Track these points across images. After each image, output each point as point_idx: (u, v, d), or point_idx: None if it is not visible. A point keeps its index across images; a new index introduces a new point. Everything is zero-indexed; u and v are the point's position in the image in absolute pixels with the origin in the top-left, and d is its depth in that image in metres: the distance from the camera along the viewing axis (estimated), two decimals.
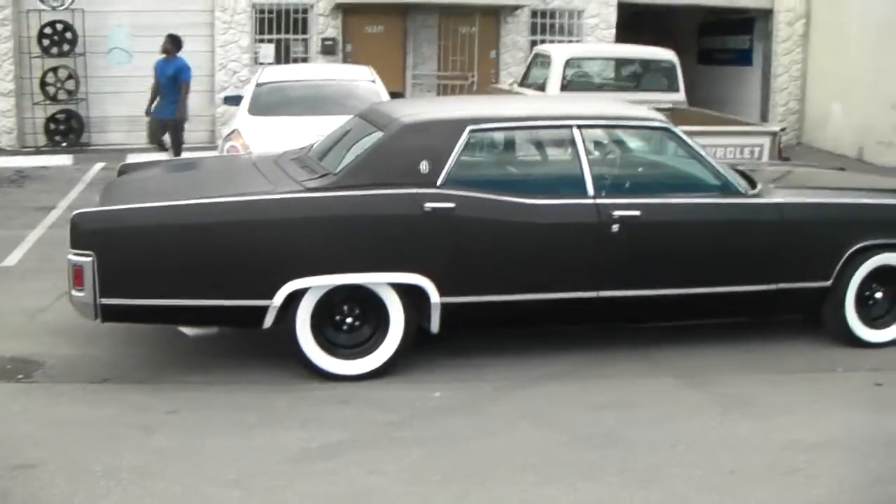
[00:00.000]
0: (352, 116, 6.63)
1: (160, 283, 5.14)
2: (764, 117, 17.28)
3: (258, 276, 5.18)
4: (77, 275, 5.06)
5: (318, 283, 5.24)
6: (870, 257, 6.07)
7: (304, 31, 15.37)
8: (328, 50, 15.24)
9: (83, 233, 5.06)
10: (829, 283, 6.00)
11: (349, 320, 5.43)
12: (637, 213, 5.59)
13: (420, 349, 5.56)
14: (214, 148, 14.74)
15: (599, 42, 16.13)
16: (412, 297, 5.37)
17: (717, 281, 5.83)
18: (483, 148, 5.95)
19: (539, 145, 6.21)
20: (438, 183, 5.36)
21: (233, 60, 15.18)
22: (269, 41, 15.35)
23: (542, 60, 12.28)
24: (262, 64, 15.08)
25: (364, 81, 9.86)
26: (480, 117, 5.68)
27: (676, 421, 5.01)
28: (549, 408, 5.14)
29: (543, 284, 5.55)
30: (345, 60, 15.17)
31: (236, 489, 4.08)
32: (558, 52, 11.93)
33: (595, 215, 5.55)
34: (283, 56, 15.33)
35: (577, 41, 16.24)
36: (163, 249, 5.14)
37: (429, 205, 5.29)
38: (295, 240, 5.24)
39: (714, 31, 19.93)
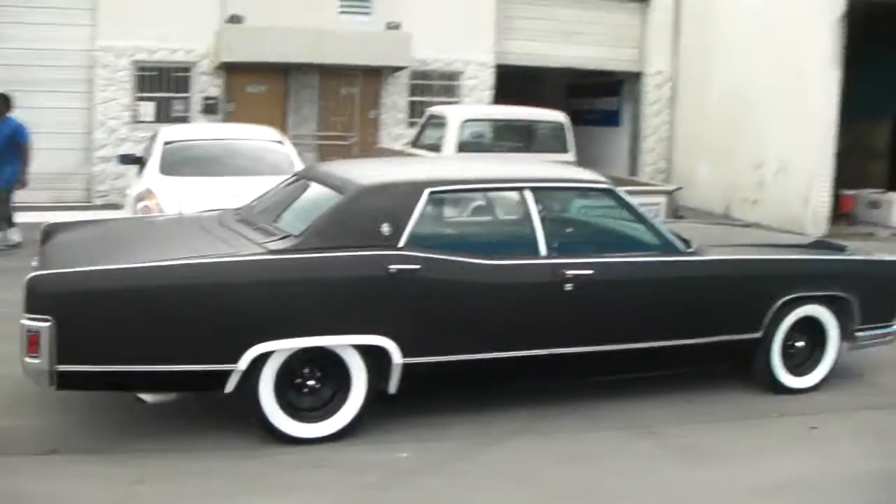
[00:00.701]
0: (291, 177, 6.60)
1: (122, 348, 4.93)
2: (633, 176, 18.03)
3: (223, 340, 5.06)
4: (32, 341, 4.79)
5: (283, 347, 5.16)
6: (795, 309, 6.45)
7: (186, 90, 15.14)
8: (210, 109, 15.07)
9: (40, 296, 4.81)
10: (759, 334, 6.34)
11: (311, 383, 5.36)
12: (590, 271, 5.77)
13: (376, 410, 5.52)
14: (91, 207, 14.34)
15: (478, 103, 16.55)
16: (374, 358, 5.36)
17: (661, 335, 6.07)
18: (441, 210, 6.03)
19: (493, 207, 6.35)
20: (400, 245, 5.39)
21: (112, 118, 14.79)
22: (150, 99, 15.04)
23: (437, 121, 12.50)
24: (141, 122, 14.81)
25: (271, 142, 9.81)
26: (438, 180, 5.77)
27: (641, 472, 5.18)
28: (518, 464, 5.20)
29: (502, 343, 5.63)
30: (226, 120, 15.01)
31: None
32: (454, 114, 12.19)
33: (549, 274, 5.69)
34: (164, 115, 15.04)
35: (456, 102, 16.61)
36: (125, 313, 4.93)
37: (393, 266, 5.30)
38: (260, 302, 5.14)
39: (581, 94, 20.78)
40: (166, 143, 9.31)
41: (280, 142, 9.93)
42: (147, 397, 5.23)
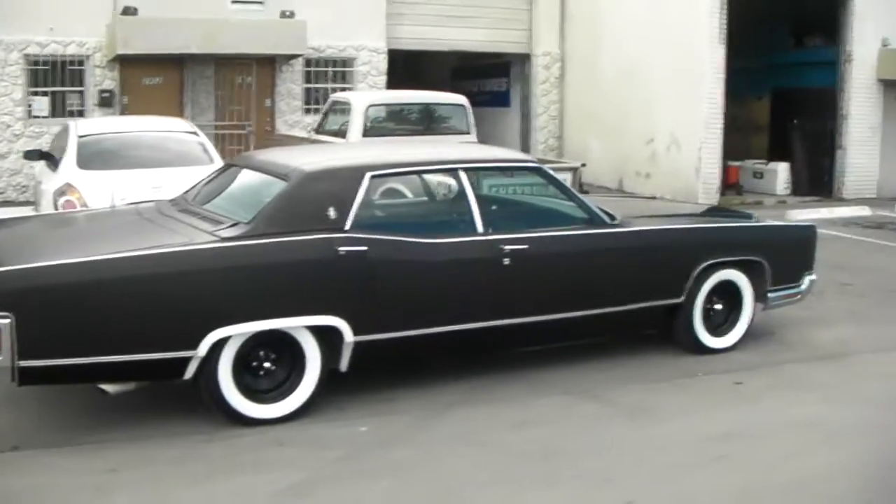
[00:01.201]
0: (224, 166, 6.65)
1: (84, 341, 4.94)
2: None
3: (182, 328, 5.12)
4: None
5: (241, 331, 5.25)
6: (712, 274, 6.87)
7: (81, 84, 14.80)
8: (105, 102, 14.79)
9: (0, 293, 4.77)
10: (681, 299, 6.73)
11: (266, 365, 5.46)
12: (525, 246, 6.03)
13: (329, 388, 5.65)
14: None
15: (372, 88, 16.68)
16: (326, 338, 5.50)
17: (593, 304, 6.39)
18: (381, 192, 6.18)
19: (430, 188, 6.53)
20: (346, 227, 5.54)
21: (5, 114, 14.37)
22: (44, 94, 14.65)
23: (341, 108, 12.58)
24: (35, 117, 14.44)
25: (185, 133, 9.76)
26: (378, 164, 5.93)
27: (593, 431, 5.49)
28: (474, 431, 5.43)
29: (447, 318, 5.85)
30: (122, 113, 14.76)
31: None
32: (358, 100, 12.29)
33: (488, 250, 5.93)
34: (60, 109, 14.69)
35: (350, 88, 16.71)
36: (86, 306, 4.93)
37: (342, 248, 5.45)
38: (217, 289, 5.22)
39: (468, 76, 21.06)
40: (81, 137, 9.14)
41: (194, 132, 9.88)
42: (109, 388, 5.25)
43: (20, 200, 14.52)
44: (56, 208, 8.29)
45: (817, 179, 17.00)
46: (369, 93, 12.92)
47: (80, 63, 14.78)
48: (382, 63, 17.15)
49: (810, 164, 17.10)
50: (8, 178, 14.45)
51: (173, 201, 6.44)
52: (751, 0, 15.11)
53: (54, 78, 14.72)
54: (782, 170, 17.23)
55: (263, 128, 16.01)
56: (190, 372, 5.20)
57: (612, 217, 6.61)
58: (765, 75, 17.76)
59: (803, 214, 14.38)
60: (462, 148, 7.51)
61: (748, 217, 8.12)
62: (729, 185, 16.75)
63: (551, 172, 6.50)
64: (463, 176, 6.10)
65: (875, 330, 8.02)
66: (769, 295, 7.22)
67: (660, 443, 5.28)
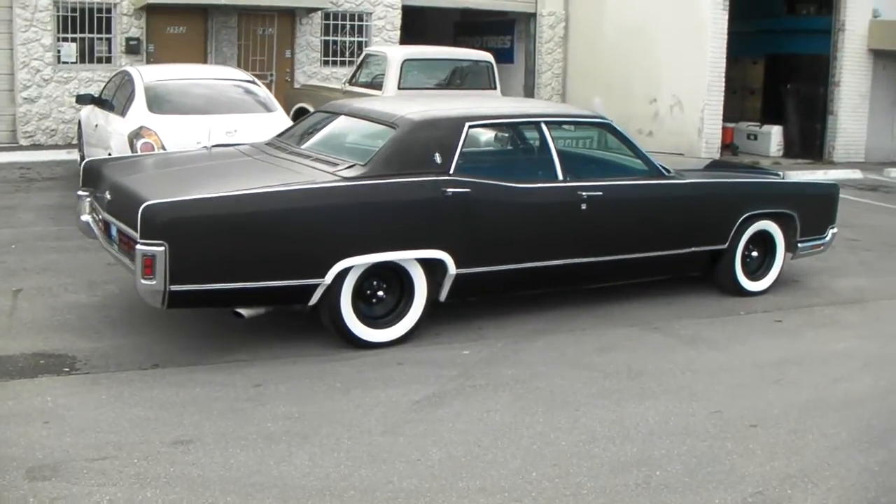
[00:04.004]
0: (317, 113, 7.25)
1: (226, 268, 5.51)
2: None
3: (312, 258, 5.72)
4: (147, 264, 5.28)
5: (361, 262, 5.87)
6: (751, 224, 7.63)
7: (108, 31, 15.16)
8: (132, 50, 15.15)
9: (155, 224, 5.28)
10: (725, 245, 7.49)
11: (379, 294, 6.11)
12: (600, 193, 6.72)
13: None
14: (18, 147, 14.33)
15: (388, 42, 17.18)
16: (432, 270, 6.17)
17: (653, 247, 7.14)
18: (477, 141, 6.82)
19: (516, 138, 7.19)
20: (451, 171, 6.18)
21: (35, 59, 14.68)
22: (72, 40, 14.99)
23: (376, 61, 13.10)
24: (64, 63, 14.80)
25: (245, 81, 10.26)
26: (474, 115, 6.58)
27: (664, 356, 6.23)
28: (563, 354, 6.15)
29: (532, 255, 6.54)
30: (147, 61, 15.14)
31: (399, 436, 4.71)
32: (394, 54, 12.82)
33: (569, 195, 6.62)
34: (88, 55, 15.06)
35: (366, 42, 17.23)
36: (230, 237, 5.49)
37: (449, 189, 6.10)
38: (343, 223, 5.82)
39: (470, 32, 21.55)
40: (148, 83, 9.60)
41: (253, 81, 10.38)
42: (245, 312, 5.85)
43: (49, 144, 14.93)
44: (133, 150, 8.76)
45: (809, 142, 17.83)
46: (404, 48, 13.43)
47: (108, 11, 15.10)
48: (397, 18, 17.65)
49: (802, 127, 17.92)
50: (37, 122, 14.82)
51: (271, 144, 7.01)
52: None
53: (82, 25, 15.01)
54: (776, 132, 18.04)
55: (283, 78, 16.46)
56: (315, 298, 5.81)
57: (667, 170, 7.32)
58: (759, 40, 18.46)
59: (802, 175, 15.18)
60: (541, 103, 8.17)
61: (777, 175, 8.88)
62: (725, 145, 17.52)
63: (619, 128, 7.18)
64: (545, 128, 6.77)
65: (886, 280, 8.87)
66: (798, 245, 8.01)
67: (723, 367, 6.04)
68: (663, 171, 7.22)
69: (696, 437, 4.84)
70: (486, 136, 7.05)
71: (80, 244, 8.45)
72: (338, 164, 6.14)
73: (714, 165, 10.06)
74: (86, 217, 6.78)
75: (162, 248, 5.29)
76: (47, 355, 5.79)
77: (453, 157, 6.22)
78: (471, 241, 6.23)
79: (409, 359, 5.93)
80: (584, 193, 6.66)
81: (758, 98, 19.31)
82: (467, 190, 6.16)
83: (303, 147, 6.76)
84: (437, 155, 6.17)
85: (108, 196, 6.20)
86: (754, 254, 7.83)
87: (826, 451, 4.75)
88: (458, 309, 6.66)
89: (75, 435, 4.59)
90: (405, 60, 12.66)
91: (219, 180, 6.11)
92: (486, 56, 13.57)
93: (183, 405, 5.04)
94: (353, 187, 5.90)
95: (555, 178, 6.67)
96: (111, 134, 9.45)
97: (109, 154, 9.19)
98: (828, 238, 8.24)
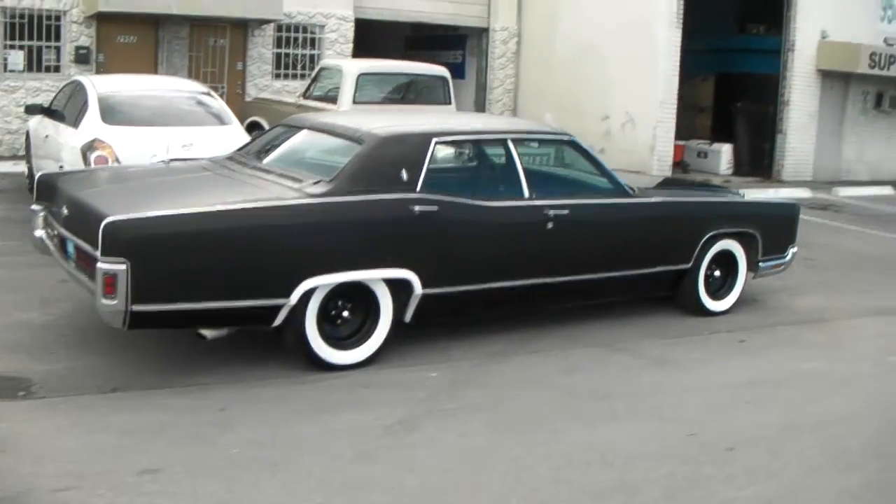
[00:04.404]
0: (278, 127, 7.12)
1: (190, 287, 5.35)
2: None
3: (277, 277, 5.56)
4: (108, 283, 5.08)
5: (327, 281, 5.74)
6: (715, 243, 7.64)
7: (57, 39, 14.81)
8: (82, 59, 14.82)
9: (117, 241, 5.09)
10: (689, 265, 7.48)
11: (344, 314, 5.97)
12: (566, 211, 6.67)
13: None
14: None
15: (340, 56, 17.04)
16: (398, 290, 6.05)
17: (619, 267, 7.10)
18: (443, 157, 6.73)
19: (483, 155, 7.11)
20: (418, 188, 6.08)
21: None
22: (20, 48, 14.62)
23: (331, 74, 12.97)
24: (11, 72, 14.45)
25: (200, 94, 10.06)
26: (441, 131, 6.49)
27: (631, 377, 6.19)
28: (531, 376, 6.07)
29: (498, 274, 6.46)
30: (97, 70, 14.83)
31: (373, 463, 4.57)
32: (350, 68, 12.70)
33: (535, 214, 6.56)
34: (36, 64, 14.71)
35: (318, 54, 17.09)
36: (194, 255, 5.33)
37: (417, 207, 6.00)
38: (308, 241, 5.69)
39: (421, 47, 21.47)
40: (101, 93, 9.35)
41: (208, 93, 10.18)
42: (207, 333, 5.68)
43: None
44: (86, 162, 8.53)
45: (758, 161, 18.05)
46: (360, 61, 13.31)
47: (58, 18, 14.75)
48: (350, 31, 17.53)
49: (752, 146, 18.14)
50: None
51: (231, 159, 6.85)
52: None
53: (30, 32, 14.64)
54: (726, 150, 18.23)
55: (234, 90, 16.24)
56: (280, 319, 5.65)
57: (632, 189, 7.29)
58: (710, 58, 18.67)
59: (752, 194, 15.32)
60: (505, 119, 8.10)
61: (737, 194, 8.92)
62: (675, 163, 17.65)
63: (583, 145, 7.14)
64: (511, 145, 6.70)
65: (844, 299, 8.95)
66: (760, 264, 8.04)
67: (694, 388, 6.02)
68: (628, 190, 7.19)
69: (674, 461, 4.78)
70: (453, 152, 6.97)
71: (29, 260, 8.12)
72: (302, 181, 6.00)
73: (666, 183, 10.06)
74: (39, 232, 6.58)
75: (124, 267, 5.11)
76: (1, 378, 5.54)
77: (420, 174, 6.12)
78: (437, 260, 6.14)
79: (375, 381, 5.80)
80: (550, 212, 6.60)
81: (708, 116, 19.53)
82: (435, 208, 6.07)
83: (265, 162, 6.62)
84: (403, 171, 6.07)
85: (66, 211, 6.00)
86: (716, 273, 7.85)
87: (805, 473, 4.74)
88: (420, 329, 6.52)
89: (35, 464, 4.38)
90: (361, 74, 12.55)
91: (182, 196, 5.95)
92: (442, 71, 13.52)
93: (147, 431, 4.85)
94: (319, 204, 5.77)
95: (521, 196, 6.61)
96: (63, 146, 9.20)
97: (61, 167, 8.94)
98: (788, 257, 8.29)
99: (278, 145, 6.88)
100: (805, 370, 6.59)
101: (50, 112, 10.58)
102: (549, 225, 6.59)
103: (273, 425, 5.02)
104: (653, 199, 7.30)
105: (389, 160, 6.09)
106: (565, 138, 7.19)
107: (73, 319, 6.74)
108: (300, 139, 6.82)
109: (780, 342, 7.30)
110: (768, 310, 8.23)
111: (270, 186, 6.01)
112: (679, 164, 17.77)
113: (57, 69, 14.74)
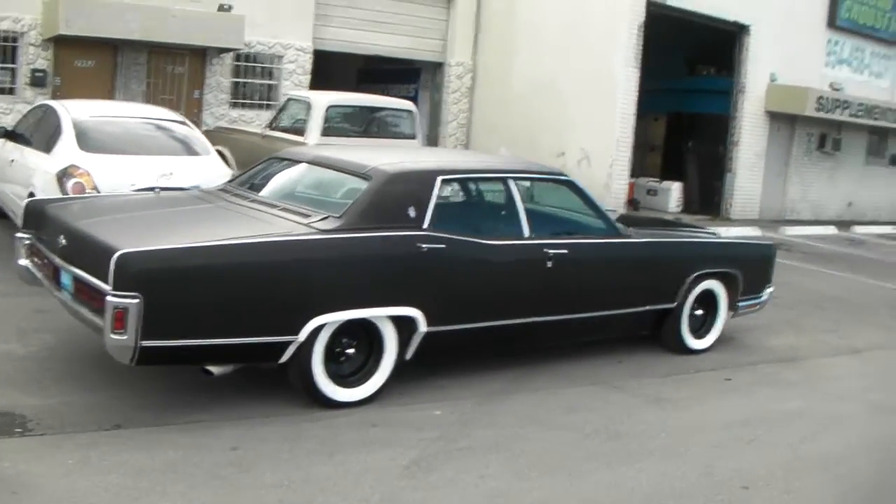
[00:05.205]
0: (275, 159, 7.07)
1: (201, 323, 5.23)
2: None
3: (289, 313, 5.48)
4: (118, 317, 4.94)
5: (336, 319, 5.67)
6: (700, 283, 7.75)
7: (13, 61, 14.51)
8: (38, 82, 14.53)
9: (129, 274, 4.95)
10: (674, 304, 7.59)
11: (349, 351, 5.92)
12: (565, 251, 6.73)
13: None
14: None
15: (298, 87, 17.00)
16: (402, 327, 6.02)
17: (611, 306, 7.18)
18: (448, 195, 6.73)
19: (485, 193, 7.14)
20: (424, 226, 6.07)
21: None
22: None
23: (298, 106, 12.90)
24: None
25: (175, 122, 9.90)
26: (446, 169, 6.50)
27: (634, 416, 6.23)
28: (535, 415, 6.07)
29: (500, 313, 6.47)
30: (53, 94, 14.55)
31: None
32: (319, 99, 12.64)
33: (536, 253, 6.60)
34: None
35: (276, 85, 17.03)
36: (206, 289, 5.21)
37: (424, 245, 5.98)
38: (321, 278, 5.62)
39: (374, 79, 21.52)
40: (76, 118, 9.13)
41: (184, 122, 10.04)
42: (214, 369, 5.57)
43: None
44: (63, 190, 8.31)
45: (708, 199, 18.44)
46: (328, 94, 13.26)
47: (14, 40, 14.45)
48: (308, 62, 17.51)
49: (702, 184, 18.52)
50: None
51: (226, 191, 6.76)
52: (651, 26, 16.28)
53: None
54: (675, 188, 18.58)
55: (191, 119, 16.00)
56: (287, 356, 5.57)
57: (624, 228, 7.38)
58: (662, 98, 19.07)
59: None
60: (501, 158, 8.15)
61: (713, 234, 9.10)
62: (626, 200, 17.92)
63: (580, 185, 7.22)
64: (511, 183, 6.75)
65: (813, 337, 9.19)
66: (739, 304, 8.18)
67: (696, 427, 6.09)
68: (620, 230, 7.28)
69: (697, 500, 4.84)
70: (455, 190, 6.98)
71: None
72: (309, 216, 5.94)
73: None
74: (24, 261, 6.40)
75: (136, 301, 4.97)
76: None
77: (427, 211, 6.12)
78: (443, 298, 6.12)
79: (381, 420, 5.74)
80: (550, 251, 6.64)
81: (658, 154, 19.91)
82: (442, 246, 6.06)
83: (264, 195, 6.54)
84: (411, 208, 6.06)
85: (63, 241, 5.82)
86: (698, 312, 7.96)
87: None
88: (415, 367, 6.45)
89: None
90: (330, 106, 12.51)
91: (190, 228, 5.85)
92: (409, 105, 13.57)
93: (161, 471, 4.71)
94: (331, 240, 5.72)
95: (521, 235, 6.65)
96: (34, 171, 8.95)
97: (31, 193, 8.70)
98: (764, 297, 8.47)
99: (276, 178, 6.82)
100: (794, 409, 6.71)
101: (13, 136, 10.32)
102: (549, 264, 6.63)
103: (289, 466, 4.92)
104: (644, 240, 7.39)
105: (397, 196, 6.08)
106: (562, 178, 7.26)
107: (55, 351, 6.56)
108: (299, 173, 6.77)
109: (764, 381, 7.43)
110: (745, 348, 8.38)
111: (277, 221, 5.93)
112: (630, 202, 18.03)
113: (12, 91, 14.42)
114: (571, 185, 7.22)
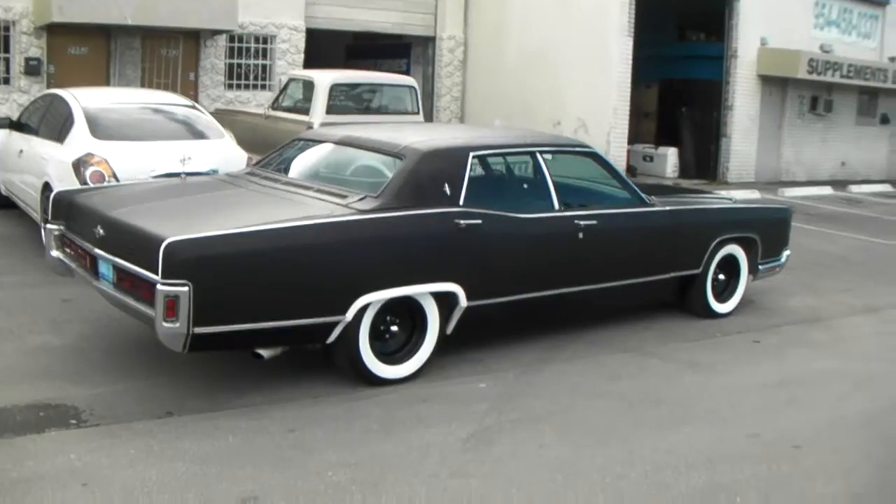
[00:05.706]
0: (302, 140, 7.07)
1: (250, 307, 5.25)
2: None
3: (335, 294, 5.53)
4: (170, 305, 4.96)
5: (381, 297, 5.71)
6: (722, 248, 7.85)
7: (6, 50, 14.37)
8: (32, 70, 14.42)
9: (178, 262, 4.97)
10: (699, 270, 7.67)
11: (393, 329, 5.97)
12: (594, 221, 6.79)
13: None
14: None
15: (292, 66, 16.94)
16: (444, 303, 6.08)
17: (640, 273, 7.25)
18: (479, 171, 6.76)
19: (515, 168, 7.18)
20: (461, 203, 6.11)
21: None
22: None
23: (301, 85, 12.86)
24: None
25: (186, 107, 9.86)
26: (477, 145, 6.54)
27: (673, 381, 6.33)
28: (579, 383, 6.15)
29: (535, 285, 6.54)
30: (48, 82, 14.45)
31: (470, 478, 4.57)
32: (322, 78, 12.61)
33: (567, 225, 6.66)
34: None
35: (270, 65, 16.96)
36: (255, 274, 5.23)
37: (462, 221, 6.03)
38: (365, 257, 5.65)
39: (363, 55, 21.46)
40: (86, 108, 9.06)
41: (194, 106, 10.00)
42: (264, 353, 5.60)
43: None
44: (80, 178, 8.27)
45: (703, 164, 18.54)
46: (331, 72, 13.21)
47: (7, 29, 14.31)
48: (301, 41, 17.44)
49: (697, 149, 18.60)
50: None
51: (254, 174, 6.77)
52: None
53: None
54: (671, 154, 18.67)
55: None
56: (334, 336, 5.61)
57: (650, 198, 7.45)
58: (654, 65, 19.09)
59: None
60: (527, 131, 8.17)
61: (729, 200, 9.18)
62: (625, 167, 17.98)
63: (605, 157, 7.27)
64: (539, 157, 6.79)
65: (830, 298, 9.29)
66: (759, 267, 8.29)
67: (734, 390, 6.19)
68: (646, 199, 7.34)
69: (751, 461, 4.92)
70: (487, 165, 7.01)
71: (20, 279, 8.00)
72: (346, 196, 5.96)
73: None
74: (56, 252, 6.39)
75: (186, 289, 4.99)
76: (44, 406, 5.35)
77: (461, 188, 6.16)
78: (481, 272, 6.17)
79: (430, 395, 5.80)
80: (580, 222, 6.70)
81: (652, 121, 19.96)
82: (479, 221, 6.11)
83: (296, 177, 6.56)
84: (446, 186, 6.10)
85: (101, 231, 5.80)
86: (720, 277, 8.06)
87: (877, 468, 4.91)
88: (449, 342, 6.49)
89: (125, 497, 4.25)
90: (333, 85, 12.49)
91: (231, 214, 5.85)
92: (410, 81, 13.58)
93: (225, 457, 4.75)
94: (373, 220, 5.75)
95: (552, 208, 6.70)
96: (48, 161, 8.89)
97: (46, 183, 8.69)
98: (783, 259, 8.57)
99: (304, 160, 6.83)
100: (825, 369, 6.82)
101: (19, 126, 10.27)
102: (580, 235, 6.69)
103: (351, 445, 4.96)
104: (669, 208, 7.46)
105: (432, 174, 6.11)
106: (588, 150, 7.30)
107: (92, 341, 6.58)
108: (328, 153, 6.79)
109: (791, 342, 7.53)
110: (767, 310, 8.48)
111: (314, 202, 5.94)
112: (628, 169, 18.10)
113: (6, 81, 14.30)
114: (597, 157, 7.28)
